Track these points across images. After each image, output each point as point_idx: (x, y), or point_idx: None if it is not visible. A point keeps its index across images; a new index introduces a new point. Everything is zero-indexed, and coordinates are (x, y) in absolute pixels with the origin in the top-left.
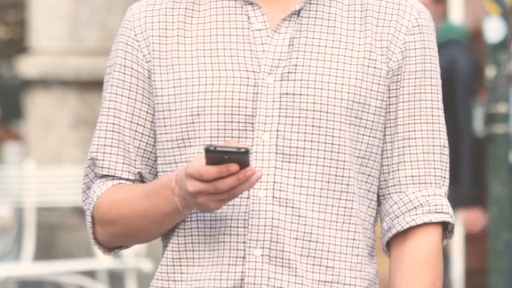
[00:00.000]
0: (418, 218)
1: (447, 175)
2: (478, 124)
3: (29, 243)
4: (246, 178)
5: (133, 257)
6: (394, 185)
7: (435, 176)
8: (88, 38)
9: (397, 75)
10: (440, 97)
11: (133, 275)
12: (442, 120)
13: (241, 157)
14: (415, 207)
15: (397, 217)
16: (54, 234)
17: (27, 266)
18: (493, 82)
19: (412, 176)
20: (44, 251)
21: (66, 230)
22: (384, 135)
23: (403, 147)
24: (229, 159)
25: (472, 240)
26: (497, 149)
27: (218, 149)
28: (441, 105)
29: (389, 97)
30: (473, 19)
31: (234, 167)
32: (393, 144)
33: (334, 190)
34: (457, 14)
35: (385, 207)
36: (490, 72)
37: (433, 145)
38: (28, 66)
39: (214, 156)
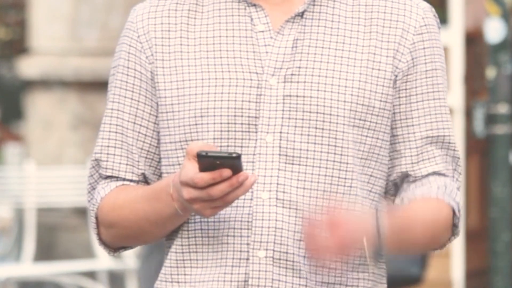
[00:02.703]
0: (434, 189)
1: (461, 170)
2: (478, 125)
3: (29, 244)
4: (239, 183)
5: (133, 257)
6: (415, 181)
7: (452, 170)
8: (88, 39)
9: (407, 75)
10: (446, 94)
11: (133, 276)
12: (450, 117)
13: (233, 162)
14: (432, 187)
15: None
16: (54, 235)
17: (27, 267)
18: (494, 83)
19: (434, 172)
20: (44, 252)
21: (66, 230)
22: (394, 135)
23: (422, 146)
24: (221, 165)
25: (473, 240)
26: (498, 150)
27: (209, 154)
28: (447, 103)
29: (399, 97)
30: (473, 20)
31: (226, 172)
32: (410, 144)
33: (337, 192)
34: (457, 15)
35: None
36: (490, 72)
37: (449, 143)
38: (28, 67)
39: (207, 162)
